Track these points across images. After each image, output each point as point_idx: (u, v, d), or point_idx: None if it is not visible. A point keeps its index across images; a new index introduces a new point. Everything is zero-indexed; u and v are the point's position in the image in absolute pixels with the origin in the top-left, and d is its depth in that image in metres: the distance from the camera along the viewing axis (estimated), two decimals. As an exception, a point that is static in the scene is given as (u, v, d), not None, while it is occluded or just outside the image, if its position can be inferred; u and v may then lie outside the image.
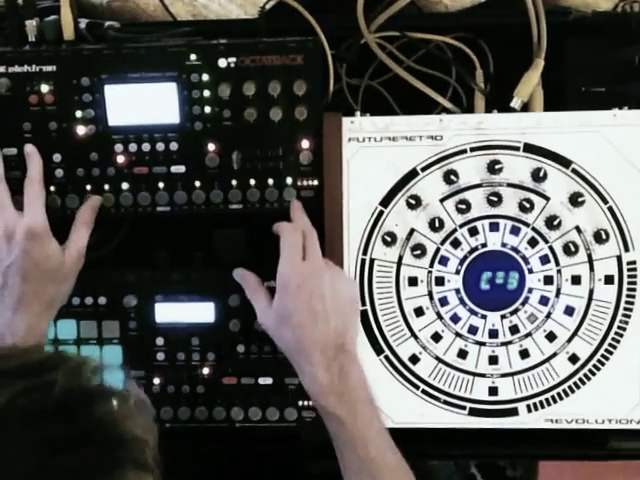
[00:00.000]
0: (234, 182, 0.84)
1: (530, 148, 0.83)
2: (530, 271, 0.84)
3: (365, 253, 0.85)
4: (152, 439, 0.48)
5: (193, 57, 0.82)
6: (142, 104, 0.83)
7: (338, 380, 0.75)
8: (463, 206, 0.83)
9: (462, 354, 0.85)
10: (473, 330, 0.85)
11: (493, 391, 0.86)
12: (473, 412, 0.86)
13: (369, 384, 0.77)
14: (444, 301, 0.85)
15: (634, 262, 0.83)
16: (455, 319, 0.85)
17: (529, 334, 0.85)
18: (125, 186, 0.85)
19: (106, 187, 0.85)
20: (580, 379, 0.85)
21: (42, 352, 0.55)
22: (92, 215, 0.83)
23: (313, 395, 0.77)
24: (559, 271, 0.84)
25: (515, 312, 0.85)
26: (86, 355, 0.53)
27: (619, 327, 0.84)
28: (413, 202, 0.83)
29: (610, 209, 0.83)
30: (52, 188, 0.85)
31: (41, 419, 0.43)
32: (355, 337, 0.81)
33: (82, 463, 0.43)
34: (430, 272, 0.85)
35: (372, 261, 0.85)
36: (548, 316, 0.84)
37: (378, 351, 0.86)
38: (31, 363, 0.47)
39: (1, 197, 0.81)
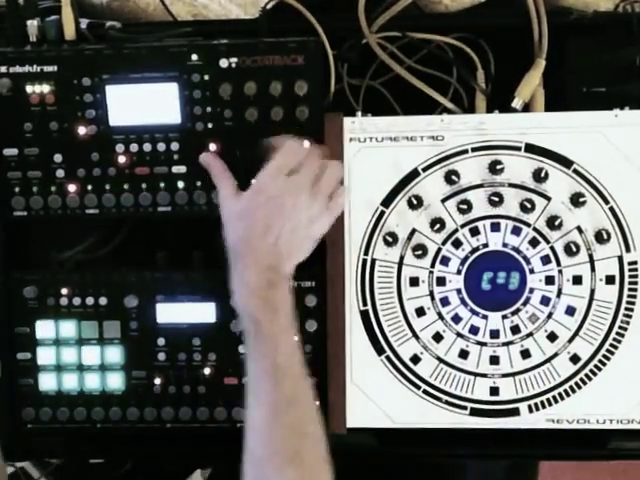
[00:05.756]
0: (235, 182, 0.84)
1: (531, 148, 0.83)
2: (531, 271, 0.84)
3: (366, 253, 0.85)
4: None
5: (194, 57, 0.82)
6: (143, 104, 0.83)
7: (265, 289, 0.75)
8: (464, 206, 0.83)
9: (463, 354, 0.85)
10: (474, 330, 0.85)
11: (494, 391, 0.86)
12: (474, 412, 0.86)
13: (294, 318, 0.77)
14: (445, 301, 0.85)
15: (635, 262, 0.83)
16: (456, 319, 0.85)
17: (530, 334, 0.85)
18: (126, 186, 0.85)
19: (107, 187, 0.85)
20: (581, 379, 0.85)
21: None
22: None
23: (239, 295, 0.77)
24: (560, 271, 0.84)
25: (516, 312, 0.85)
26: None
27: (620, 327, 0.84)
28: (414, 202, 0.83)
29: (611, 209, 0.83)
30: (53, 188, 0.85)
31: None
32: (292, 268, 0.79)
33: None
34: (431, 272, 0.85)
35: (373, 261, 0.85)
36: (549, 316, 0.84)
37: (379, 351, 0.86)
38: None
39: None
